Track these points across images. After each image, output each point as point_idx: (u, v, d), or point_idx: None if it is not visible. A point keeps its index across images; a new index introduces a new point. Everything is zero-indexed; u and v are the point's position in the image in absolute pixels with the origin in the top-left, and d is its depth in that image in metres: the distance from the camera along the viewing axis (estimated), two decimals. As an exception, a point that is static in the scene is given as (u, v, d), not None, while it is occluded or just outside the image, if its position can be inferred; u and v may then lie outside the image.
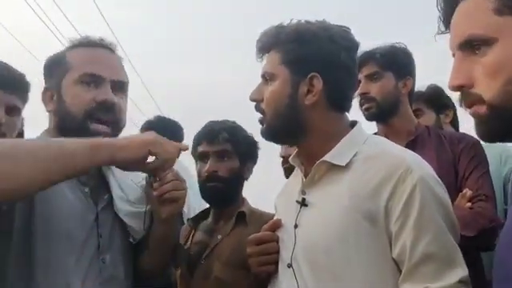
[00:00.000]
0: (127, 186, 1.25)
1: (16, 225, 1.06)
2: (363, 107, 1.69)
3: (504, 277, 0.79)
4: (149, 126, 2.39)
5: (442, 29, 0.83)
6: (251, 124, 1.55)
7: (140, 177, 1.28)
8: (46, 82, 1.23)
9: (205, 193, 1.56)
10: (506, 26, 0.72)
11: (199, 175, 1.57)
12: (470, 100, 0.76)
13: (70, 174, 0.97)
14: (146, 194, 1.25)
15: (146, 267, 1.27)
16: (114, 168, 1.25)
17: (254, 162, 1.64)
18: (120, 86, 1.21)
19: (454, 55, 0.80)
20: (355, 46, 1.14)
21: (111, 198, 1.21)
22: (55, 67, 1.21)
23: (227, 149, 1.53)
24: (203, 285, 1.44)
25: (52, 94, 1.20)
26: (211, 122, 1.62)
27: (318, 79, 1.08)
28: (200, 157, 1.57)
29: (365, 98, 1.68)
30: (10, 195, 0.91)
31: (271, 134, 1.16)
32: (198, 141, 1.58)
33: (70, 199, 1.13)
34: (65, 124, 1.17)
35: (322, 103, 1.10)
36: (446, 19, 0.82)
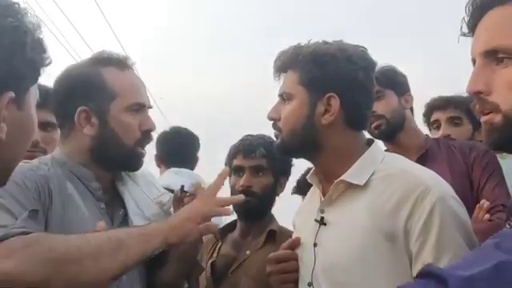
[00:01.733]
0: (143, 202, 1.27)
1: None
2: (373, 125, 1.70)
3: None
4: (165, 138, 2.39)
5: (465, 31, 0.83)
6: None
7: (156, 193, 1.30)
8: (76, 100, 1.18)
9: (237, 207, 1.54)
10: None
11: (233, 188, 1.57)
12: (486, 108, 0.77)
13: (125, 266, 0.98)
14: (174, 208, 1.28)
15: (166, 281, 1.29)
16: (128, 184, 1.28)
17: (287, 178, 1.65)
18: (149, 110, 1.26)
19: (473, 60, 0.80)
20: (372, 65, 1.16)
21: (126, 213, 1.23)
22: (92, 88, 1.18)
23: (263, 164, 1.54)
24: None
25: (89, 116, 1.18)
26: (248, 135, 1.62)
27: (335, 99, 1.10)
28: (235, 170, 1.57)
29: (374, 117, 1.69)
30: None
31: (286, 151, 1.19)
32: (234, 153, 1.59)
33: (86, 216, 1.14)
34: (109, 150, 1.19)
35: (339, 123, 1.11)
36: (472, 23, 0.81)
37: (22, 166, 1.13)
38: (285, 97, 1.14)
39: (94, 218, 1.15)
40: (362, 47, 1.15)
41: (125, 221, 1.22)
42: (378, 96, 1.69)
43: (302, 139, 1.12)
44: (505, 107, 0.74)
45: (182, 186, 1.32)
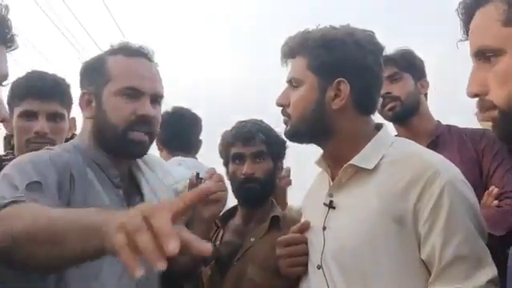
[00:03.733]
0: (159, 189, 1.28)
1: None
2: (387, 107, 1.70)
3: None
4: (166, 120, 2.15)
5: (463, 38, 0.86)
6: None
7: (172, 180, 1.31)
8: (82, 85, 1.25)
9: (241, 194, 1.56)
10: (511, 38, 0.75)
11: (234, 176, 1.56)
12: (486, 106, 0.81)
13: (62, 259, 0.85)
14: None
15: (180, 267, 1.30)
16: (146, 171, 1.29)
17: (283, 161, 1.66)
18: (157, 99, 1.24)
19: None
20: (380, 49, 1.15)
21: (142, 200, 1.24)
22: (95, 73, 1.22)
23: (263, 150, 1.54)
24: (236, 286, 1.45)
25: (90, 99, 1.22)
26: (243, 122, 1.61)
27: (345, 84, 1.10)
28: (234, 158, 1.56)
29: (389, 98, 1.70)
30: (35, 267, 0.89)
31: (295, 136, 1.19)
32: (231, 142, 1.57)
33: (106, 204, 1.15)
34: (103, 133, 1.20)
35: (348, 107, 1.11)
36: (465, 27, 0.85)
37: (47, 152, 1.17)
38: (294, 82, 1.14)
39: (114, 205, 1.16)
40: (370, 31, 1.15)
41: None
42: (396, 78, 1.71)
43: (312, 125, 1.12)
44: (498, 103, 0.77)
45: (198, 174, 1.33)
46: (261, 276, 1.43)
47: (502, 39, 0.76)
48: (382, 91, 1.68)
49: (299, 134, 1.17)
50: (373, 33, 1.15)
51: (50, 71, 1.63)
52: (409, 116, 1.71)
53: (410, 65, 1.73)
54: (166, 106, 2.26)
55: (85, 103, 1.22)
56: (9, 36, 0.94)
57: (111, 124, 1.18)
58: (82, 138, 1.24)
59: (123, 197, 1.21)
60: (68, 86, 1.59)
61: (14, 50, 0.97)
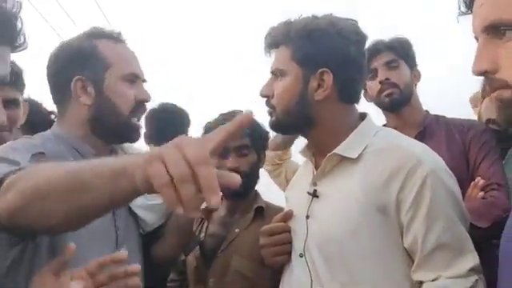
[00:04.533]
0: None
1: None
2: (385, 93, 1.67)
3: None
4: (153, 115, 2.30)
5: (464, 10, 0.80)
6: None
7: None
8: (70, 70, 1.19)
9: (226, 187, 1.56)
10: None
11: (218, 170, 1.56)
12: (495, 85, 0.74)
13: (88, 207, 0.81)
14: None
15: (161, 254, 1.31)
16: None
17: (265, 152, 1.66)
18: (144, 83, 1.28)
19: (476, 38, 0.77)
20: (363, 39, 1.15)
21: None
22: (87, 58, 1.19)
23: (247, 143, 1.54)
24: (221, 278, 1.45)
25: (85, 85, 1.19)
26: (225, 115, 1.60)
27: (328, 74, 1.10)
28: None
29: (388, 84, 1.66)
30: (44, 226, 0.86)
31: (280, 127, 1.19)
32: None
33: None
34: (105, 119, 1.19)
35: (332, 97, 1.11)
36: (469, 0, 0.79)
37: (27, 142, 1.15)
38: (277, 73, 1.14)
39: None
40: (353, 21, 1.15)
41: None
42: (394, 65, 1.69)
43: (296, 115, 1.12)
44: None
45: None
46: (246, 267, 1.43)
47: None
48: (382, 77, 1.68)
49: (284, 125, 1.17)
50: (356, 22, 1.15)
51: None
52: (403, 105, 1.69)
53: (406, 53, 1.72)
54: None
55: (80, 90, 1.19)
56: (15, 36, 0.89)
57: (116, 110, 1.19)
58: (66, 127, 1.22)
59: None
60: (21, 71, 1.55)
61: (23, 50, 0.94)
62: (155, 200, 1.27)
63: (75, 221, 0.84)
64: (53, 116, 1.86)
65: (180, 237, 1.31)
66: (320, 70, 1.09)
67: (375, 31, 1.76)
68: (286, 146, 1.97)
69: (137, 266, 0.79)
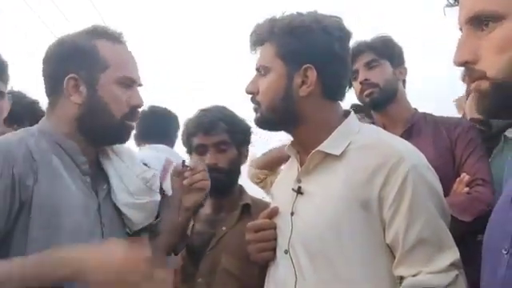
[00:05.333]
0: (128, 178, 1.27)
1: (19, 223, 1.09)
2: (365, 93, 1.69)
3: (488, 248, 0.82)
4: (142, 116, 2.36)
5: (452, 1, 0.81)
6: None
7: (139, 169, 1.31)
8: (65, 68, 1.18)
9: None
10: None
11: (197, 167, 1.56)
12: (474, 76, 0.75)
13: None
14: (173, 181, 1.31)
15: (158, 251, 1.30)
16: (113, 159, 1.28)
17: (248, 146, 1.63)
18: (139, 86, 1.27)
19: (461, 29, 0.78)
20: (348, 35, 1.16)
21: (109, 188, 1.24)
22: (84, 57, 1.18)
23: (225, 139, 1.52)
24: (210, 276, 1.45)
25: (78, 84, 1.18)
26: (204, 110, 1.58)
27: (312, 70, 1.10)
28: (197, 149, 1.54)
29: (367, 84, 1.69)
30: None
31: (265, 124, 1.19)
32: (193, 132, 1.55)
33: (73, 191, 1.15)
34: (96, 119, 1.19)
35: (316, 94, 1.12)
36: None
37: (8, 138, 1.15)
38: (262, 70, 1.15)
39: (81, 192, 1.16)
40: (337, 17, 1.15)
41: (108, 195, 1.24)
42: (374, 65, 1.70)
43: (281, 111, 1.13)
44: (491, 73, 0.72)
45: (183, 161, 1.34)
46: (235, 265, 1.43)
47: (505, 3, 0.71)
48: (362, 77, 1.70)
49: (269, 122, 1.17)
50: (340, 19, 1.15)
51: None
52: (386, 103, 1.71)
53: (388, 52, 1.73)
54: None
55: (72, 88, 1.18)
56: None
57: (108, 112, 1.18)
58: (53, 123, 1.21)
59: (90, 184, 1.21)
60: (6, 64, 1.54)
61: None
62: (142, 199, 1.27)
63: None
64: (37, 105, 1.86)
65: (174, 237, 1.32)
66: (304, 67, 1.10)
67: (375, 31, 1.79)
68: (269, 168, 1.98)
69: None
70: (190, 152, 1.59)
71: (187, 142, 1.58)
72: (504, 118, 0.85)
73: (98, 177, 1.24)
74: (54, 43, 1.22)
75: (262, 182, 2.01)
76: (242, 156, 1.59)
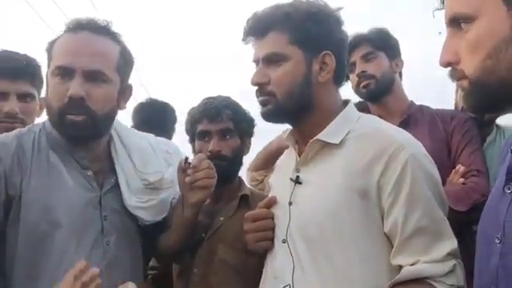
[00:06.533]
0: (130, 175, 1.27)
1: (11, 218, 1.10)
2: (362, 85, 1.71)
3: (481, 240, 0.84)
4: (140, 108, 2.38)
5: (439, 5, 0.84)
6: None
7: (150, 169, 1.31)
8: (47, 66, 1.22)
9: None
10: (484, 3, 0.74)
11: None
12: (456, 76, 0.79)
13: None
14: (178, 177, 1.30)
15: (163, 247, 1.34)
16: (119, 154, 1.28)
17: (251, 137, 1.63)
18: (94, 76, 1.15)
19: None
20: (343, 23, 1.17)
21: (117, 181, 1.24)
22: (47, 54, 1.21)
23: (230, 127, 1.51)
24: (206, 267, 1.44)
25: (48, 80, 1.20)
26: (210, 98, 1.57)
27: (330, 57, 1.11)
28: (201, 135, 1.53)
29: (364, 76, 1.71)
30: None
31: (278, 114, 1.14)
32: (198, 118, 1.54)
33: (70, 184, 1.15)
34: (48, 115, 1.20)
35: (331, 80, 1.13)
36: None
37: (1, 136, 1.17)
38: (275, 58, 1.11)
39: (78, 186, 1.17)
40: (337, 7, 1.16)
41: (114, 188, 1.24)
42: (370, 57, 1.72)
43: (299, 98, 1.11)
44: (469, 72, 0.75)
45: (186, 158, 1.32)
46: (232, 255, 1.42)
47: (474, 5, 0.75)
48: (359, 69, 1.72)
49: (284, 110, 1.12)
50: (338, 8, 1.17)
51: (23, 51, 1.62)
52: (383, 94, 1.73)
53: (384, 44, 1.75)
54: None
55: (46, 87, 1.21)
56: None
57: (51, 106, 1.17)
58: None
59: (93, 177, 1.21)
60: (39, 67, 1.56)
61: None
62: (144, 199, 1.28)
63: None
64: None
65: (182, 232, 1.32)
66: (323, 53, 1.11)
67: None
68: (267, 165, 1.99)
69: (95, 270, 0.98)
70: (193, 140, 1.58)
71: (191, 130, 1.57)
72: (490, 112, 0.88)
73: (108, 170, 1.25)
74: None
75: (261, 184, 2.01)
76: (244, 146, 1.58)
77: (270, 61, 1.12)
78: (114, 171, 1.25)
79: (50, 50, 1.19)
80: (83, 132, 1.16)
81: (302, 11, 1.11)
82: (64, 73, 1.14)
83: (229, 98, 1.59)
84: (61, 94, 1.13)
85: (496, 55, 0.72)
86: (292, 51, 1.10)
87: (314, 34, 1.10)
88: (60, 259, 1.11)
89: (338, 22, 1.14)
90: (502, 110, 0.83)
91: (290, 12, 1.11)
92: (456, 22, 0.77)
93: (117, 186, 1.23)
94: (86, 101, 1.13)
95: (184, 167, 1.29)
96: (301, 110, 1.13)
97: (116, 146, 1.27)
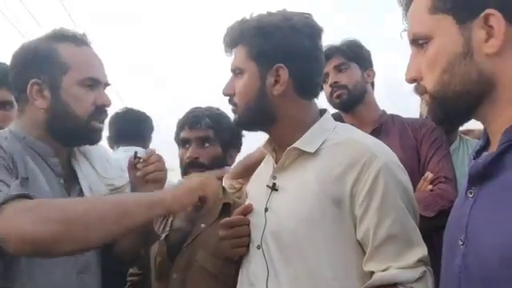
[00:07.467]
0: (93, 181, 1.29)
1: None
2: (334, 95, 1.76)
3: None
4: (116, 118, 2.36)
5: (405, 26, 0.89)
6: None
7: (111, 174, 1.32)
8: (27, 73, 1.19)
9: None
10: (438, 23, 0.80)
11: (181, 161, 1.56)
12: (419, 91, 0.85)
13: (127, 231, 1.08)
14: (129, 173, 1.30)
15: (121, 251, 1.31)
16: (80, 161, 1.29)
17: (238, 150, 1.65)
18: (106, 87, 1.27)
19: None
20: (318, 31, 1.17)
21: (81, 189, 1.25)
22: (45, 62, 1.19)
23: (209, 135, 1.53)
24: (185, 272, 1.44)
25: (41, 88, 1.18)
26: (195, 108, 1.61)
27: (283, 69, 1.12)
28: (182, 142, 1.56)
29: (336, 87, 1.76)
30: (79, 251, 1.08)
31: (243, 124, 1.23)
32: (180, 126, 1.58)
33: (47, 192, 1.15)
34: (63, 123, 1.19)
35: (289, 92, 1.14)
36: (406, 16, 0.88)
37: None
38: (237, 71, 1.16)
39: (55, 194, 1.16)
40: (307, 14, 1.17)
41: (80, 195, 1.24)
42: (343, 68, 1.77)
43: (257, 111, 1.14)
44: (429, 88, 0.82)
45: (136, 152, 1.32)
46: (212, 262, 1.42)
47: (429, 25, 0.80)
48: (332, 80, 1.76)
49: (247, 122, 1.19)
50: (310, 15, 1.17)
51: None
52: (355, 104, 1.78)
53: (356, 55, 1.80)
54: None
55: (36, 93, 1.19)
56: None
57: (73, 114, 1.19)
58: (23, 126, 1.21)
59: (63, 185, 1.22)
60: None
61: None
62: (103, 190, 1.28)
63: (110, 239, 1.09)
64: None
65: (139, 234, 1.30)
66: (275, 66, 1.12)
67: (365, 38, 1.83)
68: (246, 174, 2.00)
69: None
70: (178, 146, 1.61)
71: (176, 138, 1.61)
72: (453, 124, 0.93)
73: (72, 178, 1.25)
74: (16, 49, 1.23)
75: (238, 192, 2.02)
76: (227, 156, 1.59)
77: (235, 73, 1.17)
78: (76, 179, 1.26)
79: (53, 57, 1.19)
80: (101, 137, 1.27)
81: (252, 25, 1.13)
82: (93, 84, 1.21)
83: (213, 107, 1.62)
84: (90, 103, 1.21)
85: (450, 70, 0.78)
86: (248, 65, 1.14)
87: (264, 47, 1.12)
88: (31, 261, 1.09)
89: (298, 31, 1.11)
90: (462, 121, 0.89)
91: (244, 27, 1.14)
92: (416, 42, 0.83)
93: (81, 194, 1.24)
94: (108, 109, 1.26)
95: (134, 162, 1.30)
96: (262, 121, 1.17)
97: (76, 156, 1.29)
